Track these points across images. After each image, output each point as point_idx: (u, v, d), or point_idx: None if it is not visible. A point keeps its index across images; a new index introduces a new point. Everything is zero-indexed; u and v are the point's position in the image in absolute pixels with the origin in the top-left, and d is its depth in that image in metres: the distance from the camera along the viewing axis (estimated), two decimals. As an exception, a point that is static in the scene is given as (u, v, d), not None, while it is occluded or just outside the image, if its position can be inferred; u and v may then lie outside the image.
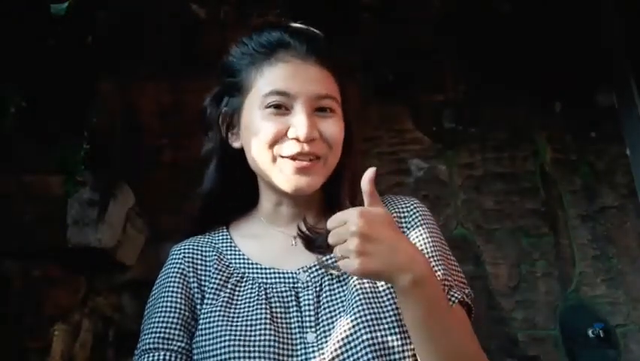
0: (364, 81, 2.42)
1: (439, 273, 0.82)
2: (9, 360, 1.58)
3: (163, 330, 0.83)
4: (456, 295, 0.81)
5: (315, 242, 0.85)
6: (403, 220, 0.89)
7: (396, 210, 0.90)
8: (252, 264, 0.88)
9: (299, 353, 0.78)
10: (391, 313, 0.78)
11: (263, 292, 0.83)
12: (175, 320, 0.84)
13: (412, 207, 0.90)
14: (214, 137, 0.92)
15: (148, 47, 2.35)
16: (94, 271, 1.91)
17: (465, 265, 1.36)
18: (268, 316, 0.80)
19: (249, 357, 0.76)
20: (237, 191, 0.94)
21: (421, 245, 0.85)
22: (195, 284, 0.87)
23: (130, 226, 1.95)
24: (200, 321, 0.83)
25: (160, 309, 0.85)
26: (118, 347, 1.92)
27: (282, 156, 0.82)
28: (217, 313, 0.82)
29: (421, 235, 0.87)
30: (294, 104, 0.82)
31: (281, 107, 0.82)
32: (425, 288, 0.70)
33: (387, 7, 2.50)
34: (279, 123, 0.82)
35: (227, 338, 0.78)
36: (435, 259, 0.84)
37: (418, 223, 0.88)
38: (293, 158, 0.82)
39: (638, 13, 2.32)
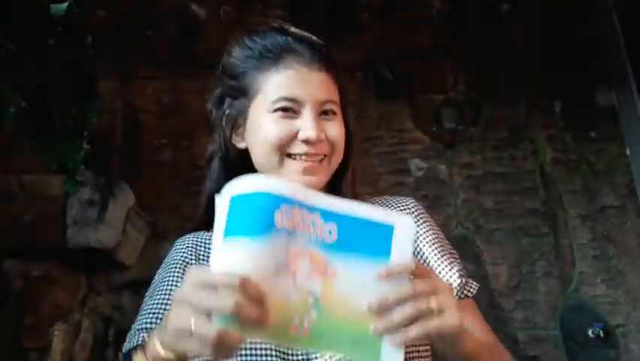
0: (364, 81, 2.42)
1: (454, 263, 0.88)
2: (9, 360, 1.58)
3: (162, 311, 0.83)
4: (473, 285, 0.88)
5: None
6: None
7: (395, 209, 0.92)
8: None
9: (298, 352, 0.79)
10: None
11: None
12: None
13: (411, 207, 0.94)
14: (218, 137, 0.93)
15: (148, 47, 2.35)
16: (94, 271, 1.91)
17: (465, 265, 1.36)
18: None
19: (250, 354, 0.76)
20: None
21: (428, 244, 0.89)
22: None
23: (130, 226, 1.95)
24: None
25: (160, 293, 0.86)
26: (118, 347, 1.91)
27: (291, 155, 0.85)
28: None
29: (427, 235, 0.90)
30: (301, 109, 0.85)
31: (289, 111, 0.85)
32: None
33: (387, 7, 2.50)
34: (287, 126, 0.84)
35: None
36: (445, 251, 0.89)
37: (420, 223, 0.91)
38: (301, 157, 0.85)
39: (638, 13, 2.32)
